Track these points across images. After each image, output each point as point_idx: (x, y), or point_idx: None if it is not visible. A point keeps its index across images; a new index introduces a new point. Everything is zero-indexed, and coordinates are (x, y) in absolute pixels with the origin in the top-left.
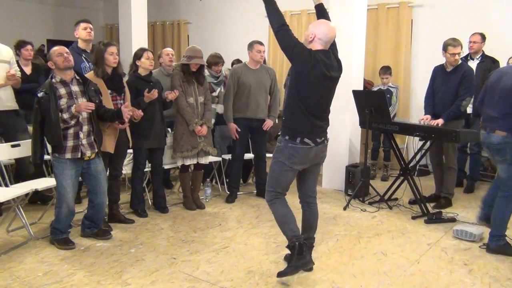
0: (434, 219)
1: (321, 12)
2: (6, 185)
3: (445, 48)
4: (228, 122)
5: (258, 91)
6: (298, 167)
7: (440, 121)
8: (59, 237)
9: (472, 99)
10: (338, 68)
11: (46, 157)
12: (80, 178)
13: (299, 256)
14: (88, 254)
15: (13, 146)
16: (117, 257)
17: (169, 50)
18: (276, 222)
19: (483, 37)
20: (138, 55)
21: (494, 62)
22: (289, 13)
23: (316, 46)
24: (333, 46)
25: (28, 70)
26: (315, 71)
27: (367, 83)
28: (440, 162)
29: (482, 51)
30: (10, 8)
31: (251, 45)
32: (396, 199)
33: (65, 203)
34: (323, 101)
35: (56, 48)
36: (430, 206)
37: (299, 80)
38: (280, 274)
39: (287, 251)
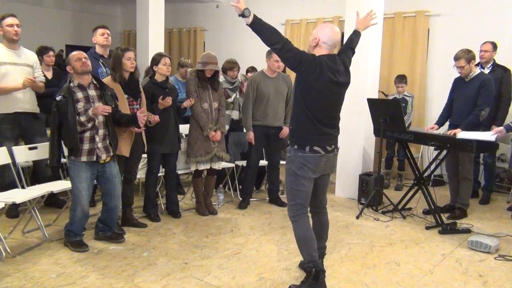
0: (448, 229)
1: (353, 36)
2: (23, 187)
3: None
4: (248, 130)
5: (276, 100)
6: (311, 175)
7: (458, 131)
8: (73, 239)
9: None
10: (345, 73)
11: (62, 160)
12: (95, 181)
13: (314, 281)
14: (101, 257)
15: (30, 148)
16: (129, 260)
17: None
18: (295, 240)
19: (494, 46)
20: (155, 60)
21: (505, 71)
22: (290, 22)
23: (321, 50)
24: (345, 54)
25: (49, 75)
26: (322, 78)
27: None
28: (456, 172)
29: (493, 60)
30: (31, 14)
31: (269, 54)
32: (410, 208)
33: (80, 205)
34: (332, 108)
35: (74, 53)
36: (444, 216)
37: (306, 88)
38: None
39: (299, 258)
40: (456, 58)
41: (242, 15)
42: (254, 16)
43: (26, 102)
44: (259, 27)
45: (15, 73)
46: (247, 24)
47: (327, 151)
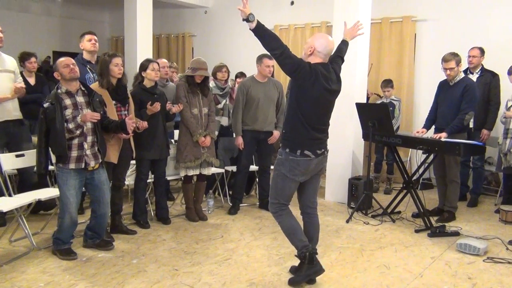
0: (437, 232)
1: (341, 45)
2: (10, 195)
3: (441, 62)
4: (237, 135)
5: (266, 104)
6: (299, 178)
7: (443, 135)
8: (61, 247)
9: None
10: (337, 81)
11: (50, 167)
12: (83, 188)
13: (310, 265)
14: (90, 264)
15: (17, 156)
16: (119, 268)
17: (163, 62)
18: (283, 233)
19: (482, 51)
20: (144, 66)
21: (493, 75)
22: (278, 28)
23: (316, 59)
24: (335, 63)
25: (32, 81)
26: (317, 85)
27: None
28: (444, 176)
29: (482, 65)
30: (18, 20)
31: (260, 59)
32: (399, 212)
33: (68, 213)
34: (323, 114)
35: (62, 59)
36: (433, 219)
37: (301, 95)
38: (292, 283)
39: (290, 263)
40: (446, 60)
41: (247, 19)
42: (258, 21)
43: (14, 109)
44: (262, 32)
45: (0, 80)
46: (250, 29)
47: (317, 155)
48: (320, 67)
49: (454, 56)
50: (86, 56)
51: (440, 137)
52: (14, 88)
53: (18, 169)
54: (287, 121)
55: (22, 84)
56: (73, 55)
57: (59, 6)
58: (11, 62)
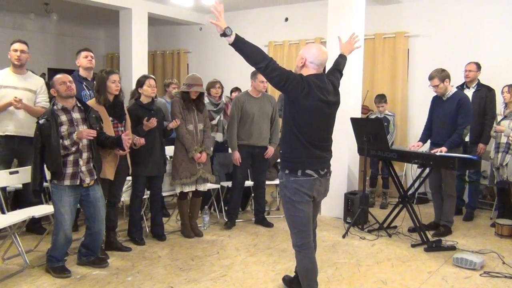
0: (434, 247)
1: (339, 59)
2: (3, 212)
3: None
4: (233, 150)
5: (261, 119)
6: (308, 199)
7: (443, 149)
8: (55, 265)
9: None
10: (335, 92)
11: (44, 184)
12: (78, 205)
13: None
14: (84, 282)
15: (11, 173)
16: (113, 285)
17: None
18: (297, 270)
19: (478, 66)
20: (140, 82)
21: (489, 90)
22: (273, 44)
23: (308, 70)
24: (333, 76)
25: None
26: (311, 97)
27: (364, 108)
28: (439, 190)
29: (478, 79)
30: (13, 38)
31: (254, 74)
32: (395, 227)
33: (62, 230)
34: (323, 129)
35: (59, 76)
36: (429, 234)
37: (295, 109)
38: None
39: None
40: (430, 77)
41: (224, 34)
42: (236, 35)
43: (28, 127)
44: (242, 46)
45: (12, 97)
46: (229, 44)
47: (320, 175)
48: (313, 77)
49: (439, 72)
50: (82, 73)
51: (440, 151)
52: (14, 99)
53: (23, 185)
54: (284, 140)
55: (18, 98)
56: (68, 72)
57: (54, 23)
58: (36, 81)
